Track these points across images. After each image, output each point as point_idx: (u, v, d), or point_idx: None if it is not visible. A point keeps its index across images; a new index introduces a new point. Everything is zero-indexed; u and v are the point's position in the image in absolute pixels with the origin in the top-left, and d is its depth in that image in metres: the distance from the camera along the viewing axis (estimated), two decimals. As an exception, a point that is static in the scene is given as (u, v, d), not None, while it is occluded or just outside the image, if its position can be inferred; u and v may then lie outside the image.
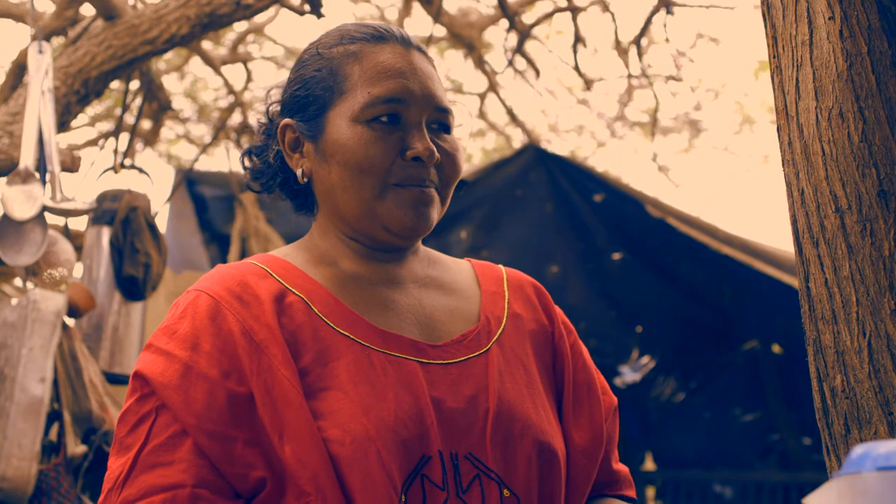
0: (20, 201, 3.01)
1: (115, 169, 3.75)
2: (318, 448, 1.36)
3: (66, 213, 3.06)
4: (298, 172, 1.59)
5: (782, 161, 1.72)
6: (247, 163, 1.70)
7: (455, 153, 1.58)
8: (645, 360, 7.48)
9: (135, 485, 1.35)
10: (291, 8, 4.24)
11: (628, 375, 7.53)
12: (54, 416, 3.04)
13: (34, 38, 3.25)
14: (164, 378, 1.40)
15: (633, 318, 7.28)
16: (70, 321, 3.25)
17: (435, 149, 1.52)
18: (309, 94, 1.58)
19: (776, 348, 7.51)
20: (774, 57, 1.72)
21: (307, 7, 3.99)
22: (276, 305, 1.46)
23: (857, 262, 1.55)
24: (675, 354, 7.45)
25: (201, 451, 1.36)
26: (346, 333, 1.47)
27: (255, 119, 1.74)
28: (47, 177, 3.01)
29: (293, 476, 1.35)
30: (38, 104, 3.03)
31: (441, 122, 1.58)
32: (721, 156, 11.27)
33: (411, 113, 1.53)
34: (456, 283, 1.66)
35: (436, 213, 1.56)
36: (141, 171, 3.90)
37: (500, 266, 1.76)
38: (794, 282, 5.85)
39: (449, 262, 1.71)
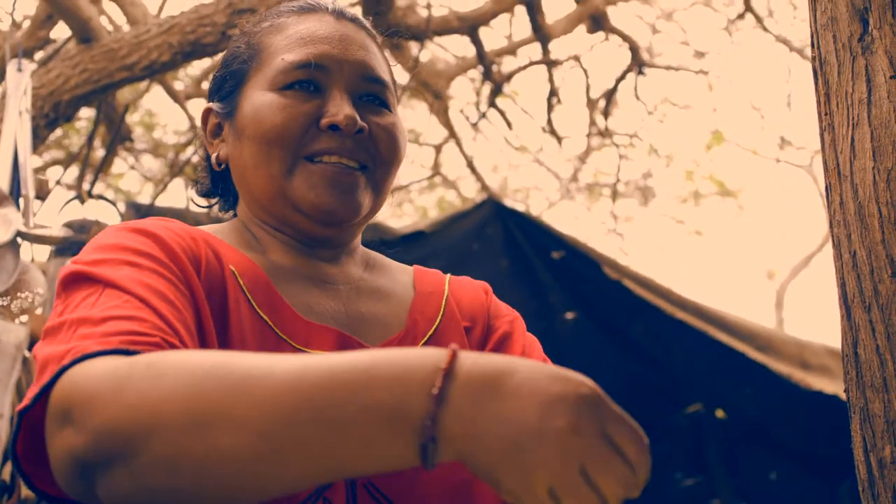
0: (-6, 225, 2.84)
1: (81, 198, 3.59)
2: None
3: (42, 241, 2.90)
4: (213, 157, 1.43)
5: (830, 221, 1.67)
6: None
7: (392, 128, 1.40)
8: (591, 421, 7.42)
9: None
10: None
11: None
12: (8, 456, 2.86)
13: (14, 54, 3.10)
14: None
15: (583, 379, 7.23)
16: (31, 355, 3.07)
17: (358, 117, 1.34)
18: (227, 72, 1.44)
19: (720, 413, 7.53)
20: (826, 114, 1.68)
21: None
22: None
23: (913, 330, 1.51)
24: (621, 416, 7.41)
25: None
26: (265, 318, 1.28)
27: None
28: (20, 201, 2.85)
29: None
30: (16, 125, 2.87)
31: (376, 94, 1.41)
32: (667, 224, 11.43)
33: (333, 79, 1.37)
34: (390, 288, 1.48)
35: (365, 198, 1.37)
36: (109, 201, 3.74)
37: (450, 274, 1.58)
38: (745, 348, 5.93)
39: (390, 267, 1.54)
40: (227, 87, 1.43)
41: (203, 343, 1.19)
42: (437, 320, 1.45)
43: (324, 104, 1.35)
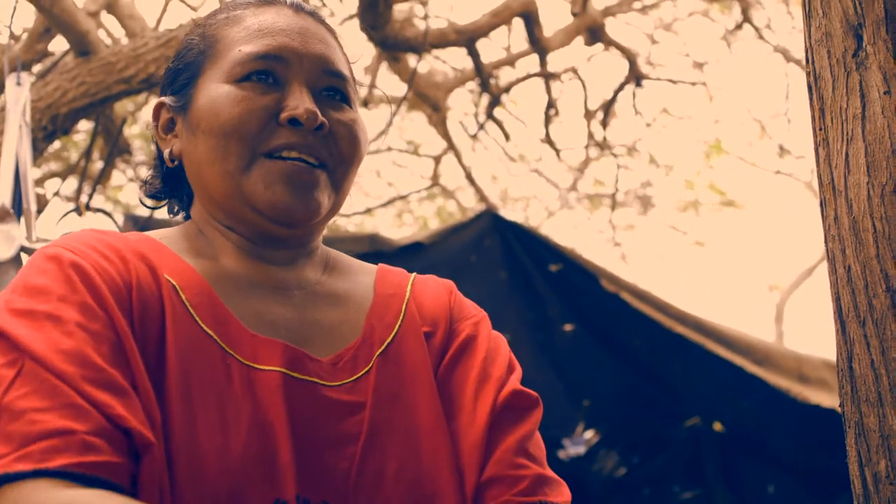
0: (-3, 241, 2.82)
1: (79, 210, 3.59)
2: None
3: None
4: (166, 154, 1.37)
5: (825, 237, 1.67)
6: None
7: (353, 124, 1.36)
8: (589, 434, 7.41)
9: None
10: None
11: (571, 449, 7.46)
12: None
13: (12, 68, 3.10)
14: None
15: (581, 392, 7.22)
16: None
17: (318, 112, 1.30)
18: (181, 64, 1.40)
19: (717, 426, 7.52)
20: (821, 129, 1.68)
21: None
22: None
23: (908, 345, 1.51)
24: (619, 429, 7.40)
25: None
26: (209, 332, 1.24)
27: None
28: (21, 215, 2.84)
29: None
30: (16, 138, 2.87)
31: (337, 89, 1.37)
32: (667, 233, 11.45)
33: (292, 72, 1.33)
34: (349, 291, 1.41)
35: (324, 196, 1.32)
36: (107, 214, 3.74)
37: (415, 273, 1.52)
38: (743, 362, 5.93)
39: (351, 268, 1.47)
40: (180, 80, 1.38)
41: (133, 383, 1.14)
42: (397, 326, 1.39)
43: (283, 98, 1.31)
